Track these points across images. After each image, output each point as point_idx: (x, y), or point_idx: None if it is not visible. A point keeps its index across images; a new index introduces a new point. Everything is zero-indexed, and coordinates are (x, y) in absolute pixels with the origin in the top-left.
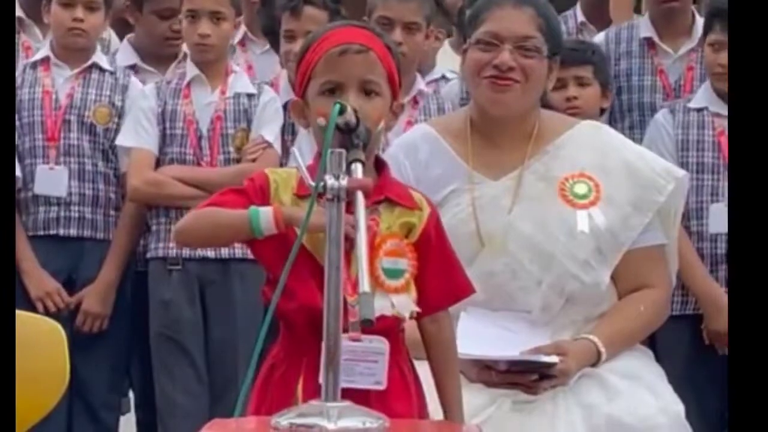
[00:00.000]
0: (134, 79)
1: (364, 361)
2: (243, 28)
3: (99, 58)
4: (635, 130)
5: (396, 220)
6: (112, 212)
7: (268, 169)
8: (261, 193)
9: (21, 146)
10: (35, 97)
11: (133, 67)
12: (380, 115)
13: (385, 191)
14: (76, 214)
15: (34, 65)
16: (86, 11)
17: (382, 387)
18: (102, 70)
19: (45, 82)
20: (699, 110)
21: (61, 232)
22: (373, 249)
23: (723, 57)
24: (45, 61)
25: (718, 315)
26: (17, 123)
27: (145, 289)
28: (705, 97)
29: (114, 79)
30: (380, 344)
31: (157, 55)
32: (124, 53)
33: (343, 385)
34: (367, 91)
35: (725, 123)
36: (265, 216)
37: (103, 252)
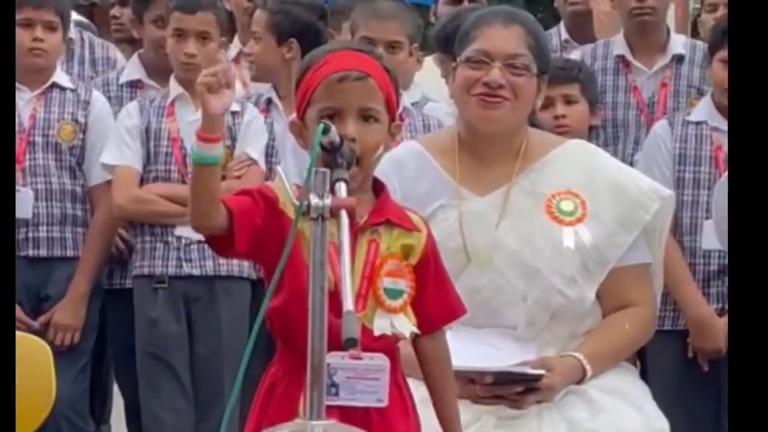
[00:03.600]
0: (96, 93)
1: (365, 379)
2: (238, 45)
3: (58, 77)
4: (609, 147)
5: (395, 242)
6: (79, 229)
7: (273, 186)
8: (267, 202)
9: None
10: None
11: (137, 83)
12: (379, 141)
13: (385, 213)
14: (45, 234)
15: None
16: (46, 31)
17: (383, 404)
18: (62, 88)
19: None
20: (698, 124)
21: (31, 253)
22: (374, 269)
23: None
24: None
25: (704, 335)
26: None
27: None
28: (705, 111)
29: (75, 95)
30: (381, 362)
31: (165, 69)
32: (131, 68)
33: (345, 403)
34: (365, 117)
35: (723, 138)
36: (194, 143)
37: (73, 269)
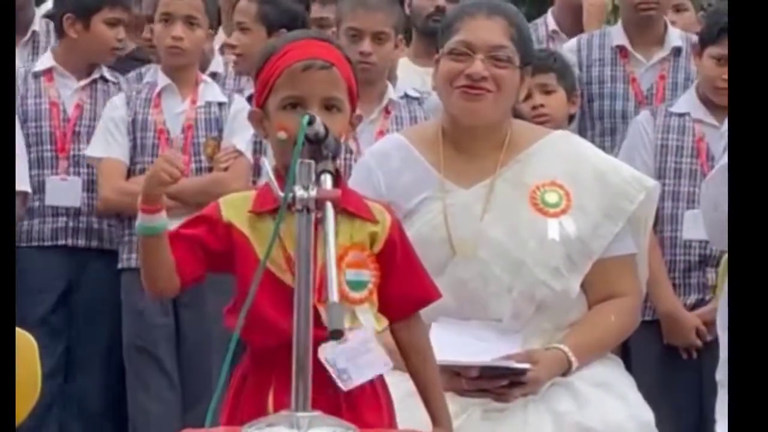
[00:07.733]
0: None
1: (362, 354)
2: (222, 35)
3: (103, 70)
4: (606, 137)
5: (358, 232)
6: (114, 222)
7: (221, 199)
8: (210, 225)
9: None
10: (41, 108)
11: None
12: (341, 130)
13: (343, 203)
14: (85, 225)
15: (35, 75)
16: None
17: (391, 365)
18: (106, 80)
19: (50, 93)
20: (680, 115)
21: (70, 242)
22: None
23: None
24: (48, 72)
25: (674, 332)
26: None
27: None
28: (688, 103)
29: (118, 89)
30: (363, 333)
31: None
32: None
33: (362, 381)
34: (328, 107)
35: (706, 130)
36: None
37: (106, 261)
